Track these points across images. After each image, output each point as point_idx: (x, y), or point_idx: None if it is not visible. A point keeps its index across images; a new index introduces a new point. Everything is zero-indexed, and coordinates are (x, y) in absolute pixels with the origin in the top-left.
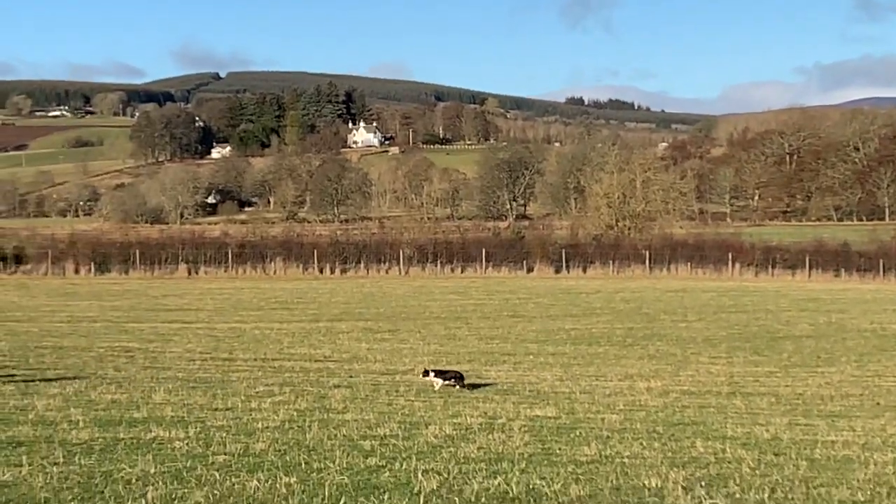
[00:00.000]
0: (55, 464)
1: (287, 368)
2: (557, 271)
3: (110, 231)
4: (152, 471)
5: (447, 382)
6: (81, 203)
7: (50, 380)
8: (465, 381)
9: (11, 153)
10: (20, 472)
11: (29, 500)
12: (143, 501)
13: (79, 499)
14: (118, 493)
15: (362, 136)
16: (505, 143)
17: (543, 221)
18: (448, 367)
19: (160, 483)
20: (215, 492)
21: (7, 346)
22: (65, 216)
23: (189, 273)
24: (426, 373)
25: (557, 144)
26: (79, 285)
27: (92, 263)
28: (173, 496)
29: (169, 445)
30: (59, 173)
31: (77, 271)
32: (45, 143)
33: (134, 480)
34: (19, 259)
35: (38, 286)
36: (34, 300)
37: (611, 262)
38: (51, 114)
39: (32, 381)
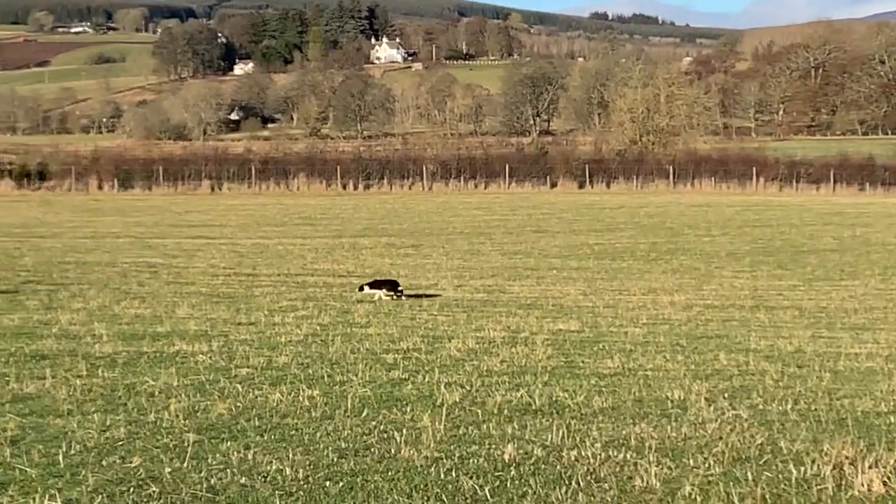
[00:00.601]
0: (79, 376)
1: (310, 284)
2: (581, 186)
3: (133, 147)
4: (175, 383)
5: (383, 293)
6: (104, 120)
7: (73, 294)
8: (402, 292)
9: (34, 70)
10: (44, 384)
11: (52, 411)
12: (166, 413)
13: (102, 410)
14: (141, 405)
15: (385, 51)
16: (528, 59)
17: (567, 137)
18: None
19: (183, 395)
20: (238, 404)
21: (31, 261)
22: (88, 133)
23: (212, 189)
24: (361, 288)
25: (581, 59)
26: (102, 201)
27: (115, 180)
28: (196, 408)
29: (192, 359)
30: (82, 90)
31: (101, 187)
32: (68, 59)
33: (157, 393)
34: (43, 175)
35: (62, 202)
36: (58, 216)
37: (634, 177)
38: (73, 30)
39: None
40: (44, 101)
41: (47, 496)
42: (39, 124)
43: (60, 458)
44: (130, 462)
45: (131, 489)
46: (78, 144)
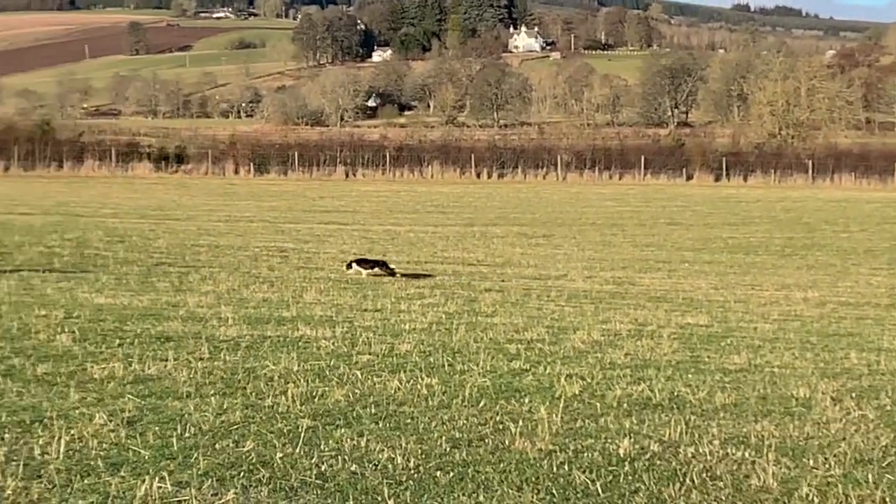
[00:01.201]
0: (200, 359)
1: (439, 271)
2: (717, 179)
3: (270, 133)
4: (295, 368)
5: (370, 271)
6: (243, 104)
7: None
8: (394, 270)
9: (176, 54)
10: (166, 366)
11: (171, 393)
12: (283, 398)
13: (220, 393)
14: (259, 389)
15: (523, 40)
16: (668, 50)
17: (705, 129)
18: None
19: (301, 380)
20: (356, 391)
21: (165, 243)
22: (227, 117)
23: (347, 175)
24: (349, 265)
25: (721, 51)
26: (238, 185)
27: (251, 164)
28: (313, 394)
29: (314, 344)
30: (222, 75)
31: (237, 171)
32: (209, 44)
33: (276, 377)
34: (181, 159)
35: (198, 185)
36: (193, 199)
37: (772, 171)
38: (215, 15)
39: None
40: (185, 85)
41: (157, 478)
42: (180, 108)
43: (174, 440)
44: (243, 446)
45: (241, 473)
46: (216, 129)
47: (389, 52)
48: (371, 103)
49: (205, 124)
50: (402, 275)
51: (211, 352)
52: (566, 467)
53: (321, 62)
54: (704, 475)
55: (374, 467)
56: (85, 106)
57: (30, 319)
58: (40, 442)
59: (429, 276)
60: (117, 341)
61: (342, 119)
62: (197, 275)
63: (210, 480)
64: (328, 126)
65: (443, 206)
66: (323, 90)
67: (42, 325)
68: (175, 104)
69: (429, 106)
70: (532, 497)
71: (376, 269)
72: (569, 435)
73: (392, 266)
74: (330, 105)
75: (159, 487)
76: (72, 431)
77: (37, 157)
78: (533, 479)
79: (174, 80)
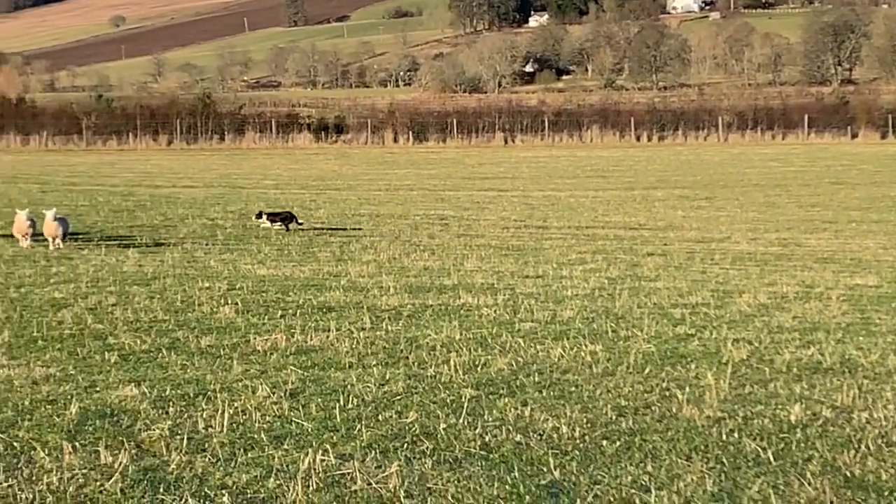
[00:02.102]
0: (362, 329)
1: (600, 236)
2: (883, 137)
3: (428, 101)
4: (457, 337)
5: (275, 225)
6: (401, 73)
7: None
8: (302, 223)
9: (333, 24)
10: (328, 336)
11: (334, 364)
12: (446, 367)
13: (382, 364)
14: (421, 359)
15: (682, 1)
16: (830, 6)
17: (869, 86)
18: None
19: (464, 349)
20: (518, 359)
21: (326, 213)
22: (385, 86)
23: (505, 141)
24: (259, 215)
25: (885, 6)
26: (397, 154)
27: (410, 132)
28: (476, 363)
29: (476, 312)
30: (380, 44)
31: (395, 140)
32: (366, 13)
33: (438, 347)
34: (340, 129)
35: (358, 155)
36: (354, 169)
37: None
38: None
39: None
40: (343, 55)
41: (321, 451)
42: (338, 78)
43: (337, 412)
44: (406, 417)
45: (405, 445)
46: (375, 98)
47: (546, 16)
48: (528, 69)
49: (363, 94)
50: (315, 228)
51: (373, 321)
52: (735, 435)
53: (478, 28)
54: (880, 441)
55: (538, 437)
56: (245, 78)
57: (193, 292)
58: (204, 415)
59: (341, 228)
60: (279, 312)
61: (500, 85)
62: (358, 244)
63: (373, 452)
64: (486, 93)
65: (603, 171)
66: (480, 57)
67: (205, 298)
68: (333, 74)
69: (587, 70)
70: (701, 466)
71: (278, 224)
72: (737, 401)
73: (302, 221)
74: (487, 71)
75: (322, 460)
76: (235, 404)
77: (199, 130)
78: (702, 447)
79: (332, 50)
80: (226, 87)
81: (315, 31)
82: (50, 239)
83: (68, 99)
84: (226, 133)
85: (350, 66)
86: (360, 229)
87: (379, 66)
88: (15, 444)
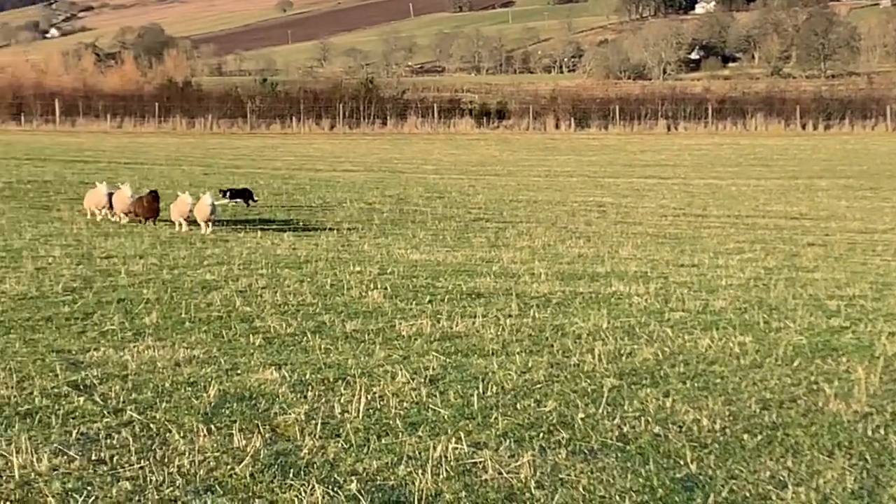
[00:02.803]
0: (509, 316)
1: (760, 226)
2: None
3: (592, 87)
4: (604, 325)
5: (233, 201)
6: (565, 59)
7: (521, 233)
8: (256, 199)
9: (498, 10)
10: (473, 322)
11: (477, 350)
12: (589, 356)
13: (527, 351)
14: (566, 347)
15: None
16: None
17: None
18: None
19: (610, 338)
20: (665, 349)
21: (484, 198)
22: (549, 72)
23: (668, 129)
24: (224, 193)
25: None
26: (558, 140)
27: (572, 119)
28: (621, 352)
29: (626, 301)
30: (544, 30)
31: (557, 126)
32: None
33: (584, 335)
34: (502, 114)
35: (519, 141)
36: (514, 154)
37: None
38: None
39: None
40: (507, 41)
41: (454, 438)
42: (502, 64)
43: (475, 399)
44: (544, 406)
45: (540, 434)
46: (538, 84)
47: (713, 3)
48: (694, 56)
49: (527, 80)
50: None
51: (520, 308)
52: (882, 431)
53: (643, 15)
54: None
55: (678, 429)
56: (409, 64)
57: (344, 276)
58: (341, 400)
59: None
60: (427, 297)
61: (664, 72)
62: (513, 230)
63: (508, 441)
64: (650, 80)
65: (766, 159)
66: (645, 43)
67: (355, 282)
68: (498, 60)
69: (753, 57)
70: (844, 462)
71: (237, 200)
72: (887, 397)
73: (257, 198)
74: (652, 58)
75: (455, 448)
76: (373, 389)
77: (361, 114)
78: (846, 443)
79: (496, 36)
80: (390, 73)
81: (480, 16)
82: (203, 223)
83: (234, 83)
84: (388, 118)
85: (514, 52)
86: (516, 215)
87: (543, 52)
88: (152, 425)
